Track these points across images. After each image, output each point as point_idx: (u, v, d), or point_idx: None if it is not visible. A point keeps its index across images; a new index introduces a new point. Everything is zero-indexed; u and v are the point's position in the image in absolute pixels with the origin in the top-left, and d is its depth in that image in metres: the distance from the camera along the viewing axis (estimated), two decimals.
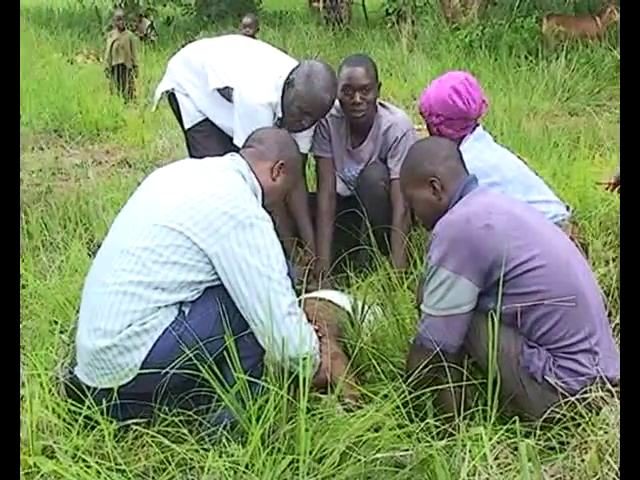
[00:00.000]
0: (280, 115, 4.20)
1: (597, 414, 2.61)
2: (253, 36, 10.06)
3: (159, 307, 2.72)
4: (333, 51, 14.25)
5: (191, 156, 4.53)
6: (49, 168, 6.73)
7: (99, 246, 2.98)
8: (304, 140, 4.36)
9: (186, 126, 4.53)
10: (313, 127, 4.36)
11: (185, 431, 2.72)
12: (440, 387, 2.77)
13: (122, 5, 17.93)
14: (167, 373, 2.66)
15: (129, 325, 2.69)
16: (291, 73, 4.13)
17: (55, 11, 21.75)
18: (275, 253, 2.83)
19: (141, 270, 2.72)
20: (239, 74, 4.22)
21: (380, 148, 4.43)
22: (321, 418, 2.70)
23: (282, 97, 4.14)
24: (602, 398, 2.63)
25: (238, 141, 4.17)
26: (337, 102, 4.29)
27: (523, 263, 2.70)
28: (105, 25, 16.57)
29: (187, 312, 2.76)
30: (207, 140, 4.44)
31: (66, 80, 10.31)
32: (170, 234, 2.75)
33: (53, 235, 4.43)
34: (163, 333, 2.70)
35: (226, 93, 4.23)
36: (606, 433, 2.53)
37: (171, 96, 4.56)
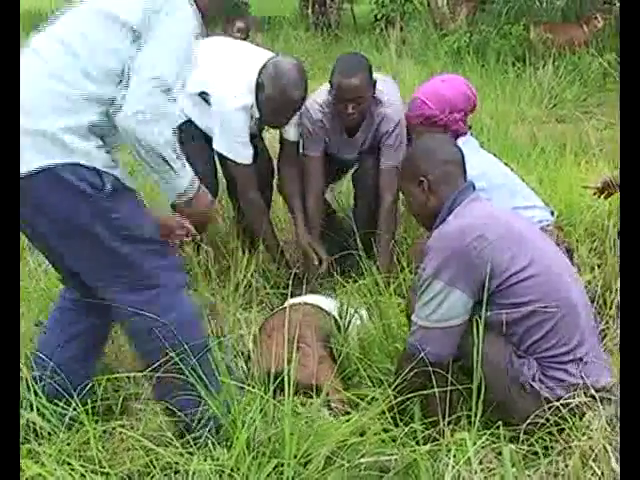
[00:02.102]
0: (257, 116, 4.24)
1: (580, 419, 2.63)
2: (245, 41, 10.06)
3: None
4: (322, 56, 14.24)
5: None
6: None
7: None
8: (291, 129, 4.44)
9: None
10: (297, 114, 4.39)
11: (170, 434, 2.72)
12: (427, 393, 2.78)
13: None
14: None
15: None
16: (260, 75, 4.16)
17: (44, 15, 21.69)
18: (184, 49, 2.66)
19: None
20: (214, 79, 4.24)
21: (373, 136, 4.47)
22: (306, 422, 2.71)
23: (256, 98, 4.18)
24: (585, 404, 2.64)
25: (217, 145, 4.24)
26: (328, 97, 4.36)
27: (516, 273, 2.72)
28: None
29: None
30: (190, 143, 4.39)
31: None
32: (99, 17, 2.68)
33: None
34: None
35: (205, 97, 4.24)
36: (590, 439, 2.55)
37: None
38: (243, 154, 4.24)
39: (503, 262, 2.70)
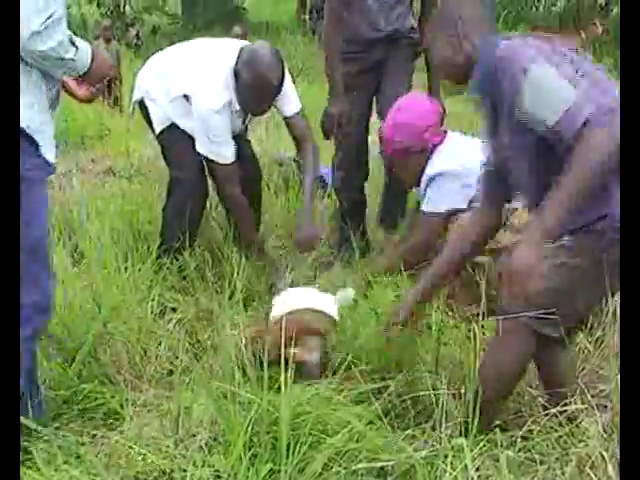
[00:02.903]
0: (238, 108, 4.26)
1: (577, 426, 2.63)
2: None
3: None
4: (319, 62, 14.28)
5: (166, 162, 4.59)
6: None
7: None
8: (290, 103, 4.52)
9: (156, 131, 4.52)
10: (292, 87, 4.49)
11: (167, 442, 2.72)
12: None
13: (109, 13, 17.97)
14: None
15: None
16: (236, 63, 4.19)
17: None
18: None
19: None
20: (193, 81, 4.25)
21: None
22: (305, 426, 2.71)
23: (236, 88, 4.21)
24: (582, 411, 2.65)
25: (198, 147, 4.26)
26: None
27: None
28: (91, 34, 16.55)
29: None
30: (176, 144, 4.43)
31: None
32: None
33: None
34: None
35: (187, 99, 4.27)
36: (587, 445, 2.55)
37: (141, 105, 4.56)
38: (224, 154, 4.26)
39: None
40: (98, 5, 19.41)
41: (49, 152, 2.68)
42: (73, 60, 2.64)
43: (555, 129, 2.46)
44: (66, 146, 8.26)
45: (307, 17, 19.83)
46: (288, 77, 4.38)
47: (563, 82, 2.46)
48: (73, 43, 2.64)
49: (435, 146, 4.04)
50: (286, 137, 6.41)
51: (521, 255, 2.42)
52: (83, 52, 2.70)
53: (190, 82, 4.25)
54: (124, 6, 18.84)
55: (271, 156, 6.16)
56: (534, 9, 13.85)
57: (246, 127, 4.67)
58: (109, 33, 11.00)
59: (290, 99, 4.51)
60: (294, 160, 5.75)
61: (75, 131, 8.59)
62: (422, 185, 4.06)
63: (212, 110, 4.16)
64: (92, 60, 2.75)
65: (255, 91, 4.18)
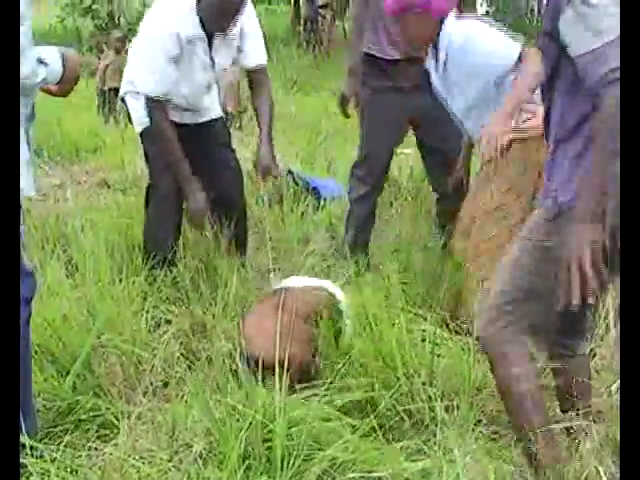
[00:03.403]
0: (186, 40, 4.14)
1: (574, 439, 2.63)
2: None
3: None
4: (313, 73, 14.34)
5: (147, 164, 4.55)
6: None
7: None
8: (254, 53, 4.46)
9: (137, 130, 4.49)
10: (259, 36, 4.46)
11: (162, 454, 2.72)
12: None
13: (103, 25, 18.01)
14: None
15: None
16: None
17: (36, 32, 21.73)
18: None
19: None
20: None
21: None
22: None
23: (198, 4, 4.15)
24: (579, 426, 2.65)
25: (127, 71, 4.38)
26: None
27: None
28: (86, 45, 16.59)
29: None
30: (152, 145, 4.41)
31: (45, 100, 10.24)
32: None
33: (31, 256, 4.40)
34: None
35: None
36: (581, 458, 2.55)
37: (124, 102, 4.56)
38: (147, 81, 4.19)
39: None
40: (93, 17, 19.45)
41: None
42: (45, 79, 2.64)
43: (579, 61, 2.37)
44: (60, 158, 8.28)
45: (301, 29, 19.87)
46: (256, 23, 4.42)
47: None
48: (42, 61, 2.63)
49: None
50: (280, 148, 6.44)
51: (572, 246, 2.39)
52: (54, 66, 2.69)
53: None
54: (119, 18, 18.86)
55: None
56: (531, 20, 13.88)
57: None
58: (121, 45, 10.89)
59: (256, 48, 4.46)
60: (288, 172, 5.76)
61: (69, 144, 8.61)
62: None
63: (151, 36, 4.14)
64: (64, 66, 2.74)
65: (216, 8, 4.07)
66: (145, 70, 4.20)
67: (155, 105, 4.20)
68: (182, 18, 4.09)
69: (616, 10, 2.28)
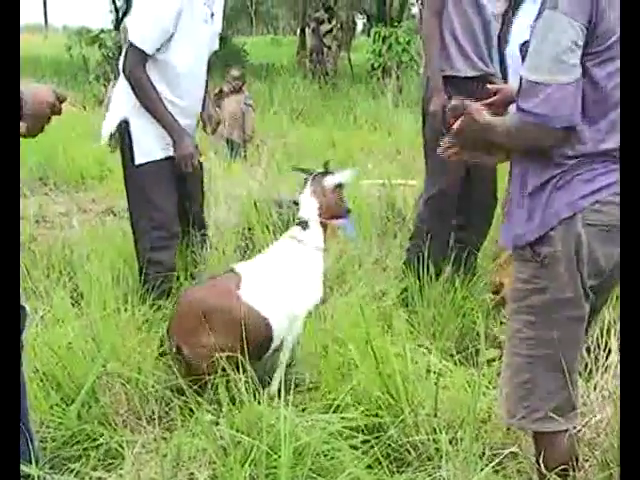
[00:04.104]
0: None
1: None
2: (241, 88, 10.21)
3: None
4: (319, 104, 14.39)
5: (129, 200, 4.48)
6: (33, 216, 6.69)
7: None
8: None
9: (138, 160, 4.34)
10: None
11: None
12: None
13: (110, 55, 18.08)
14: None
15: None
16: None
17: (43, 59, 21.90)
18: None
19: None
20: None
21: None
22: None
23: None
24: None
25: (130, 21, 4.25)
26: None
27: None
28: (92, 74, 16.65)
29: None
30: (158, 184, 4.36)
31: (51, 128, 10.25)
32: None
33: (36, 284, 4.41)
34: None
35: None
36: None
37: (122, 129, 4.38)
38: (146, 36, 4.16)
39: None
40: (100, 46, 19.55)
41: None
42: None
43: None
44: (66, 186, 8.31)
45: (307, 59, 19.97)
46: None
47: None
48: None
49: None
50: (285, 178, 6.47)
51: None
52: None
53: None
54: None
55: (270, 197, 6.18)
56: None
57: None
58: None
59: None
60: (293, 202, 5.77)
61: (75, 171, 8.62)
62: None
63: None
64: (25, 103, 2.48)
65: None
66: (147, 25, 4.15)
67: (138, 54, 4.15)
68: None
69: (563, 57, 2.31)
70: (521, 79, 2.41)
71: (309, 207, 3.84)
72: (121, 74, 4.31)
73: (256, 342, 3.45)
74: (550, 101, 2.31)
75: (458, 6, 4.46)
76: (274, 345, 3.57)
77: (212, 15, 4.35)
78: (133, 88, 4.21)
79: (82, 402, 3.23)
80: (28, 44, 26.37)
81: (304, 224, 3.80)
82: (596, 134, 2.39)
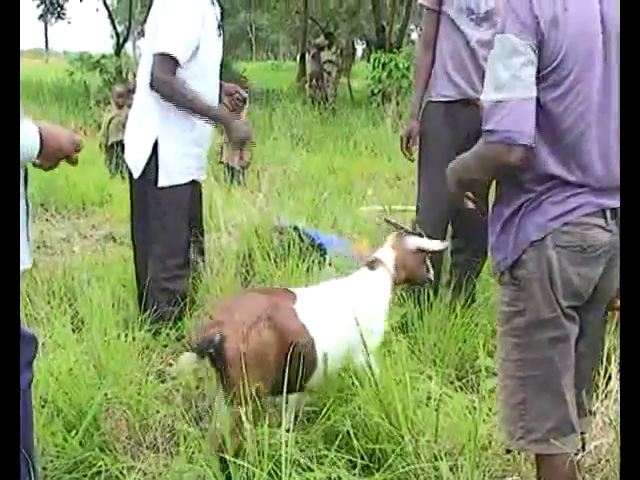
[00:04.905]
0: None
1: None
2: (239, 114, 10.22)
3: None
4: (319, 129, 14.42)
5: (145, 223, 4.45)
6: (34, 242, 6.70)
7: None
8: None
9: (161, 183, 4.31)
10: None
11: None
12: None
13: (111, 80, 18.16)
14: None
15: None
16: None
17: (44, 85, 21.97)
18: None
19: None
20: None
21: None
22: None
23: None
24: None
25: (160, 32, 4.15)
26: None
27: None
28: (93, 99, 16.70)
29: None
30: (176, 210, 4.37)
31: None
32: None
33: (37, 310, 4.42)
34: None
35: None
36: None
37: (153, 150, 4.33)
38: (176, 44, 4.14)
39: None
40: (101, 72, 19.61)
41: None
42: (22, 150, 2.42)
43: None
44: (67, 212, 8.32)
45: (307, 85, 20.03)
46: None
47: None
48: None
49: None
50: (286, 204, 6.49)
51: None
52: (24, 144, 2.45)
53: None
54: (127, 73, 19.01)
55: (271, 223, 6.19)
56: None
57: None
58: (122, 99, 10.85)
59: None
60: (294, 228, 5.78)
61: (76, 197, 8.65)
62: None
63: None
64: (42, 142, 2.50)
65: None
66: (176, 31, 4.14)
67: (169, 63, 4.12)
68: None
69: (523, 72, 2.35)
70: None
71: (386, 256, 3.80)
72: (145, 96, 4.29)
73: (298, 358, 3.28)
74: (512, 116, 2.34)
75: (446, 36, 4.63)
76: (318, 372, 3.41)
77: (219, 27, 4.39)
78: (166, 95, 4.17)
79: (84, 429, 3.23)
80: (29, 69, 26.51)
81: (373, 264, 3.78)
82: (555, 157, 2.43)
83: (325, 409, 3.33)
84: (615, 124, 2.42)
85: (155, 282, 4.36)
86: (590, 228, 2.44)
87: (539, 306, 2.50)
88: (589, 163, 2.43)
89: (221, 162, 10.11)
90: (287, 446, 2.67)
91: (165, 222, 4.34)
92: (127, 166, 4.48)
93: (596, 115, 2.43)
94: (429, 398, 3.35)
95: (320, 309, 3.48)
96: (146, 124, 4.34)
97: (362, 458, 3.05)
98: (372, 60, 17.46)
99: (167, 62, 4.10)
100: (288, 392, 3.10)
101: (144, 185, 4.37)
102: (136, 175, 4.38)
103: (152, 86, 4.15)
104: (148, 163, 4.31)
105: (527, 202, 2.49)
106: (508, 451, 2.85)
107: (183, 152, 4.32)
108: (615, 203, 2.46)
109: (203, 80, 4.27)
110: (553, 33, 2.35)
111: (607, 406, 3.27)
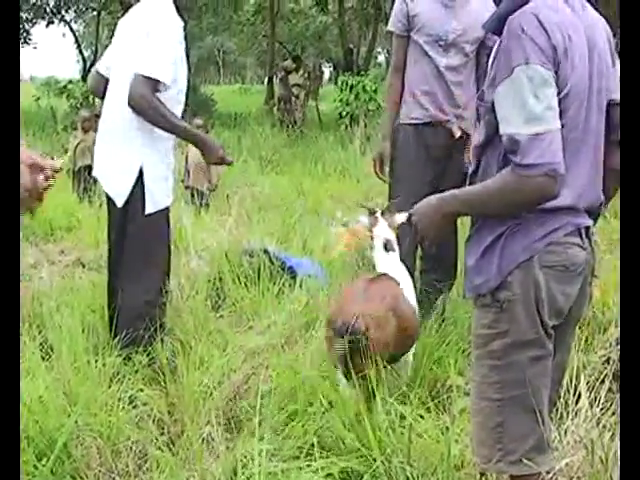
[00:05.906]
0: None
1: None
2: None
3: None
4: (287, 152, 14.47)
5: (125, 251, 4.35)
6: None
7: None
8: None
9: (148, 210, 4.23)
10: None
11: None
12: None
13: (78, 105, 18.14)
14: None
15: None
16: None
17: (42, 113, 21.87)
18: None
19: None
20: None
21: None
22: None
23: None
24: None
25: (148, 68, 4.06)
26: None
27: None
28: (61, 125, 16.66)
29: None
30: (160, 236, 4.36)
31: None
32: None
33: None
34: None
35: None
36: None
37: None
38: (160, 65, 4.08)
39: None
40: (68, 97, 19.58)
41: None
42: None
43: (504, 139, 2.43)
44: (34, 237, 8.26)
45: (275, 108, 20.10)
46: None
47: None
48: None
49: None
50: (256, 227, 6.48)
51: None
52: None
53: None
54: (93, 98, 18.99)
55: (241, 246, 6.18)
56: None
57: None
58: (88, 124, 10.82)
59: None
60: (264, 251, 5.79)
61: (44, 222, 8.57)
62: None
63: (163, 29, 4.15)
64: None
65: None
66: (158, 54, 4.09)
67: (150, 85, 4.06)
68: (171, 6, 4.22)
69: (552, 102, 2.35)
70: (506, 139, 2.39)
71: (390, 236, 4.19)
72: (123, 123, 4.24)
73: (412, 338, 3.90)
74: (552, 148, 2.33)
75: (415, 61, 4.79)
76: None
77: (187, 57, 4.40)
78: (147, 114, 4.10)
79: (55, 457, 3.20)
80: None
81: (388, 245, 4.19)
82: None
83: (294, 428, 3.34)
84: (590, 155, 2.49)
85: (133, 309, 4.27)
86: (571, 247, 2.48)
87: (523, 327, 2.51)
88: (570, 188, 2.45)
89: (187, 187, 10.09)
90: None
91: (151, 248, 4.31)
92: (106, 195, 4.37)
93: (577, 145, 2.46)
94: (403, 418, 3.34)
95: (411, 293, 4.05)
96: (128, 152, 4.27)
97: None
98: (340, 83, 17.59)
99: (150, 84, 4.05)
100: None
101: (126, 213, 4.29)
102: (120, 204, 4.27)
103: (131, 104, 4.08)
104: (132, 191, 4.23)
105: (512, 226, 2.50)
106: (482, 474, 2.85)
107: (164, 176, 4.32)
108: (587, 222, 2.51)
109: (175, 103, 4.25)
110: (563, 63, 2.37)
111: (577, 424, 3.29)
